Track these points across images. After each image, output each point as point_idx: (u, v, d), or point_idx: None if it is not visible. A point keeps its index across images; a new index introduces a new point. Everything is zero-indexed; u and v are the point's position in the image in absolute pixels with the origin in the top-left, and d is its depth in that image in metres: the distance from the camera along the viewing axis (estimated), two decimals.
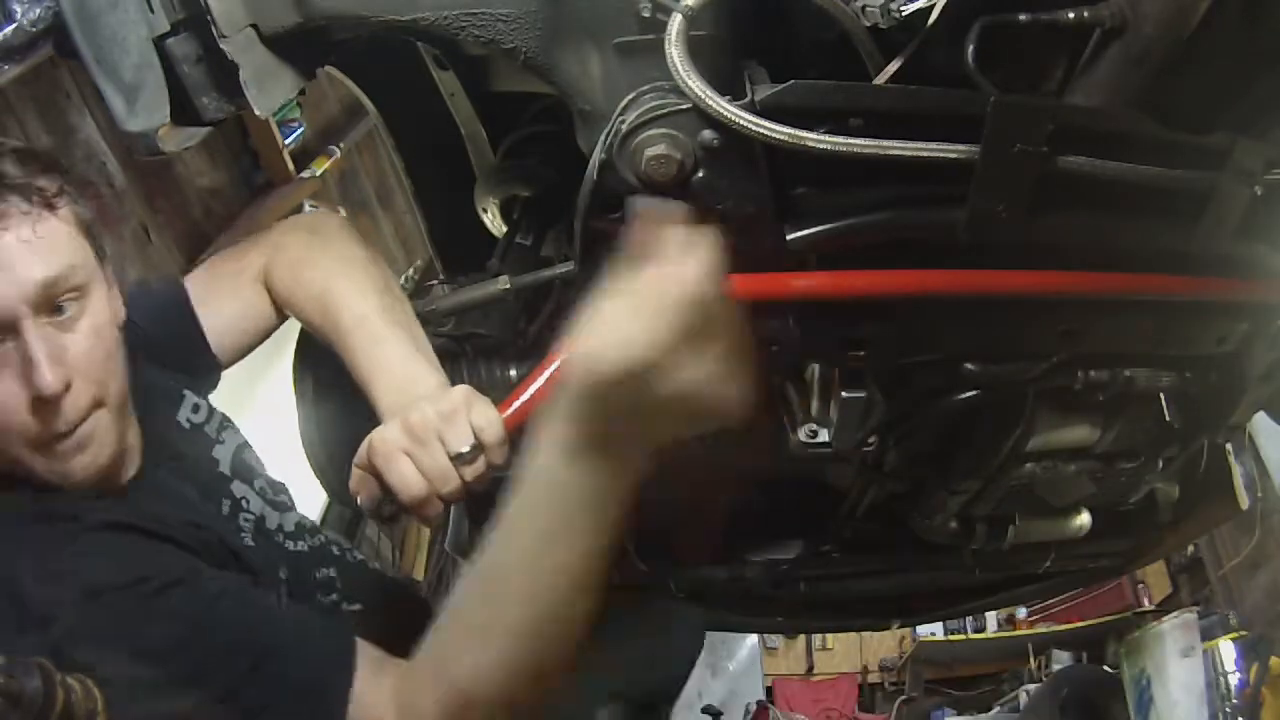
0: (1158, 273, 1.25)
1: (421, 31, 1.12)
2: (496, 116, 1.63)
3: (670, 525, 1.93)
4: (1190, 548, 5.49)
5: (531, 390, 1.12)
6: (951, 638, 7.46)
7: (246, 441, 1.42)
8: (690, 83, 1.01)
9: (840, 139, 1.04)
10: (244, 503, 1.33)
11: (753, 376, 0.95)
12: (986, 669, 7.61)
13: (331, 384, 1.38)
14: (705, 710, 6.78)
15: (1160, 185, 1.13)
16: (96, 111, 3.01)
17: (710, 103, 1.02)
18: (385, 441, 1.08)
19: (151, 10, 1.09)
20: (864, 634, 7.85)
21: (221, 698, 1.00)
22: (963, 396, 1.38)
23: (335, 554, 1.44)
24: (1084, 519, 1.72)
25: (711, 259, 0.91)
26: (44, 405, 1.05)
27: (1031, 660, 6.84)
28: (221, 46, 1.10)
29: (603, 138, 1.09)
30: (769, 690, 7.92)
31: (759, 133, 1.02)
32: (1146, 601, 6.13)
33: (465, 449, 1.07)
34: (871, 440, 1.47)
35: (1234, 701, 4.52)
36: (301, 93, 1.30)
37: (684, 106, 1.05)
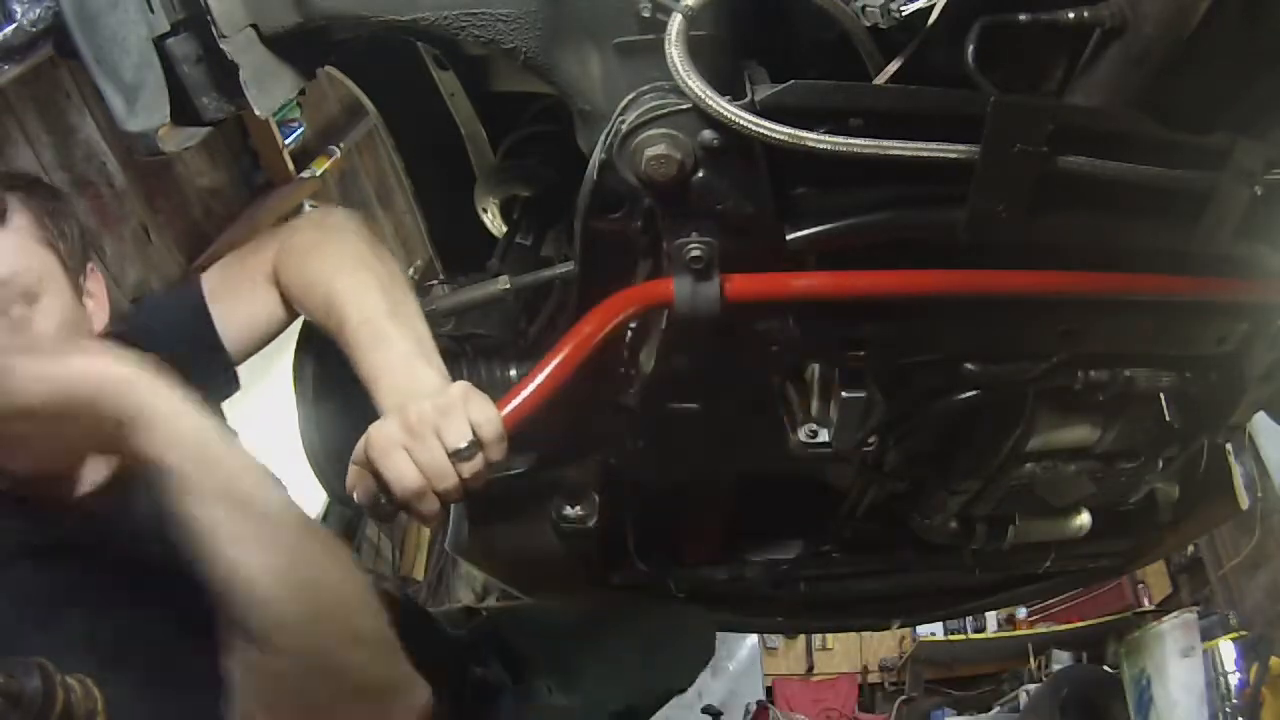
0: (1158, 273, 1.25)
1: (421, 31, 1.12)
2: (496, 116, 1.63)
3: (670, 526, 1.93)
4: (1190, 548, 5.49)
5: (531, 388, 1.11)
6: (951, 638, 7.46)
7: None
8: (690, 83, 1.01)
9: (840, 139, 1.04)
10: None
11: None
12: (986, 669, 7.61)
13: (331, 384, 1.37)
14: (705, 710, 6.78)
15: (1160, 185, 1.13)
16: (96, 111, 3.00)
17: (710, 103, 1.02)
18: (382, 436, 1.07)
19: (151, 10, 1.09)
20: (864, 634, 7.85)
21: None
22: (963, 396, 1.38)
23: None
24: (1084, 519, 1.72)
25: None
26: None
27: (1031, 660, 6.85)
28: (221, 46, 1.10)
29: (603, 138, 1.09)
30: (769, 690, 7.92)
31: (759, 133, 1.02)
32: (1146, 601, 6.14)
33: (463, 445, 1.05)
34: (871, 440, 1.47)
35: (1234, 701, 4.52)
36: (301, 93, 1.30)
37: (684, 106, 1.05)
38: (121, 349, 1.00)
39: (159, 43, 1.11)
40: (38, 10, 1.15)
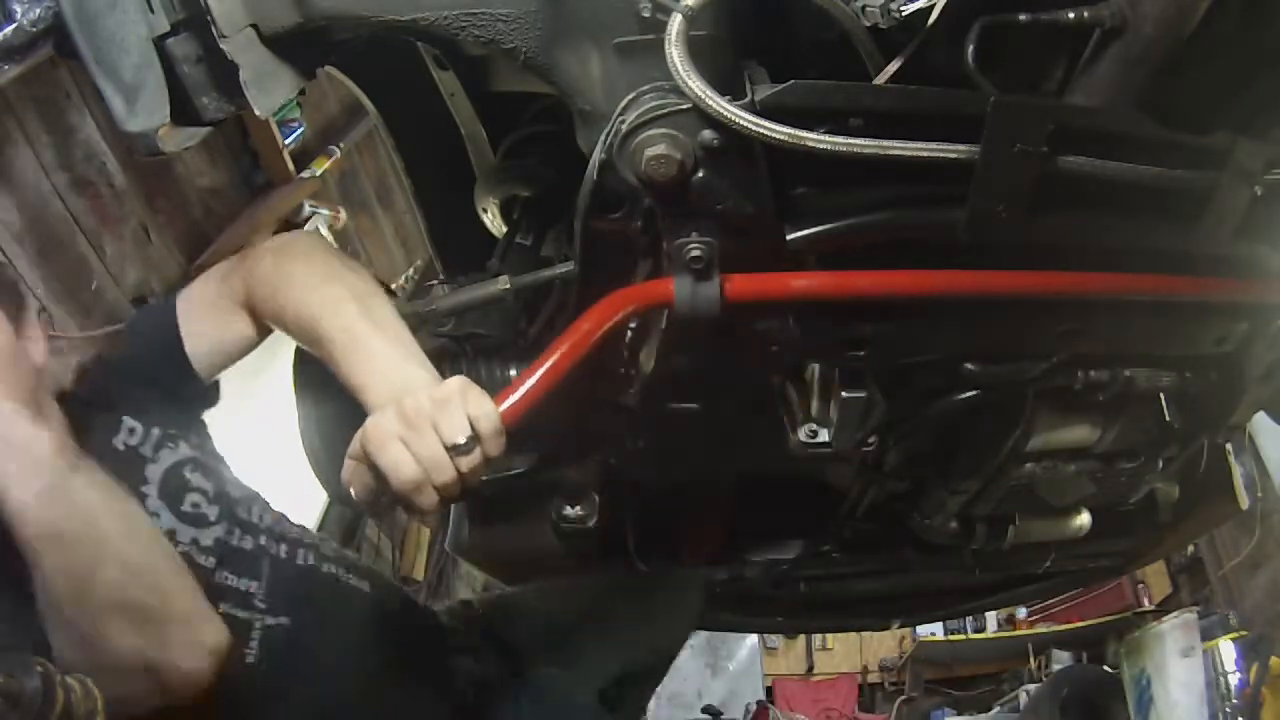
0: (1157, 273, 1.25)
1: (421, 31, 1.12)
2: (496, 116, 1.63)
3: (670, 526, 1.93)
4: (1190, 548, 5.49)
5: (529, 383, 1.11)
6: (951, 638, 7.46)
7: (191, 457, 1.43)
8: (690, 83, 1.01)
9: (840, 139, 1.04)
10: (153, 519, 1.34)
11: None
12: (986, 669, 7.61)
13: (330, 383, 1.38)
14: (705, 710, 6.79)
15: (1160, 185, 1.13)
16: (96, 111, 3.00)
17: (710, 103, 1.02)
18: (378, 428, 1.07)
19: (151, 10, 1.09)
20: (864, 634, 7.85)
21: None
22: (963, 396, 1.38)
23: (266, 566, 1.43)
24: (1084, 519, 1.72)
25: None
26: None
27: (1031, 660, 6.85)
28: (221, 46, 1.10)
29: (603, 138, 1.09)
30: (769, 690, 7.92)
31: (759, 133, 1.02)
32: (1146, 601, 6.14)
33: (461, 440, 1.04)
34: (871, 440, 1.47)
35: (1234, 701, 4.52)
36: (301, 93, 1.30)
37: (684, 106, 1.05)
38: None
39: (159, 43, 1.11)
40: (38, 10, 1.15)
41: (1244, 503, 1.84)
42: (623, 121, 1.07)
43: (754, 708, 7.24)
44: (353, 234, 4.64)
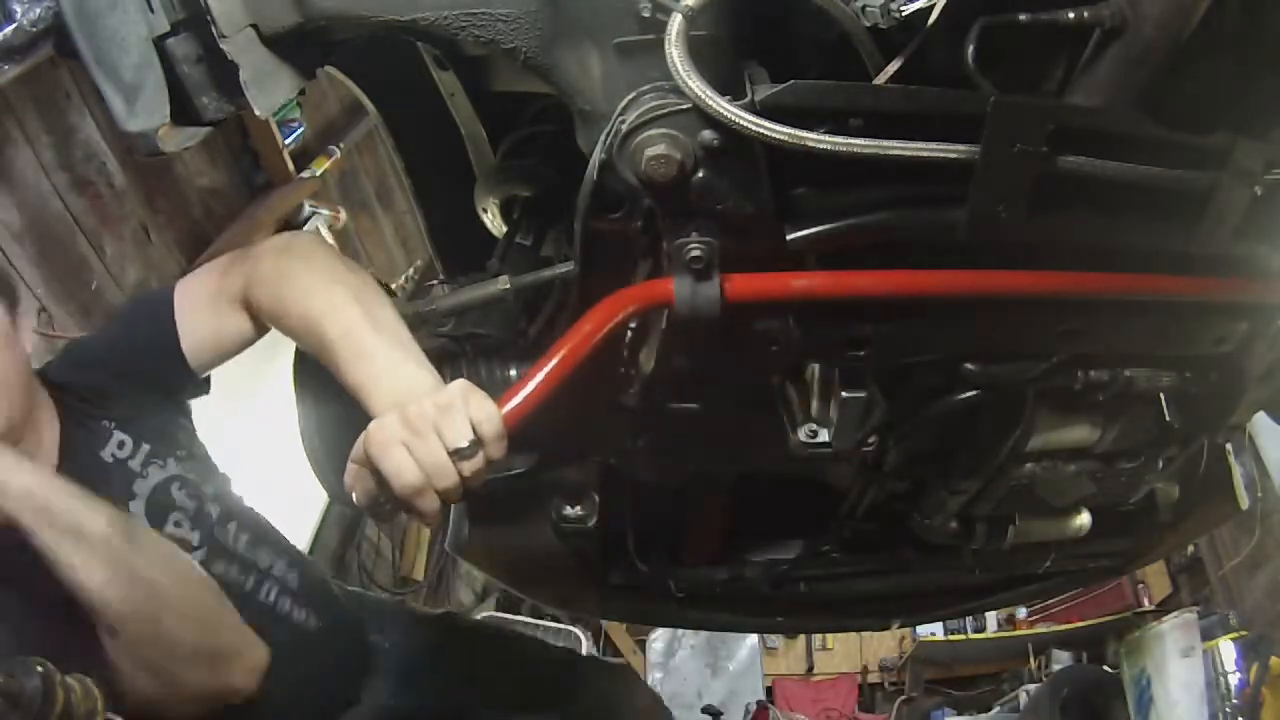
0: (1157, 273, 1.25)
1: (421, 31, 1.12)
2: (496, 116, 1.63)
3: (670, 526, 1.93)
4: (1190, 548, 5.49)
5: (531, 386, 1.11)
6: (951, 638, 7.45)
7: (177, 475, 1.44)
8: (690, 83, 1.01)
9: (840, 139, 1.04)
10: None
11: None
12: (986, 669, 7.61)
13: (331, 384, 1.38)
14: (705, 710, 6.78)
15: (1160, 185, 1.13)
16: (96, 111, 3.01)
17: (710, 103, 1.02)
18: (381, 432, 1.07)
19: (151, 10, 1.09)
20: (864, 634, 7.85)
21: None
22: (963, 396, 1.38)
23: (238, 594, 1.45)
24: (1084, 519, 1.72)
25: None
26: None
27: (1031, 660, 6.84)
28: (221, 46, 1.10)
29: (603, 138, 1.09)
30: (769, 690, 7.91)
31: (759, 133, 1.02)
32: (1146, 601, 6.14)
33: (464, 444, 1.05)
34: (871, 440, 1.47)
35: (1234, 701, 4.52)
36: (301, 93, 1.30)
37: (684, 106, 1.05)
38: None
39: (159, 43, 1.11)
40: (38, 10, 1.15)
41: (1244, 503, 1.84)
42: (623, 121, 1.07)
43: (754, 708, 7.23)
44: (353, 234, 4.64)
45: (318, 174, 4.13)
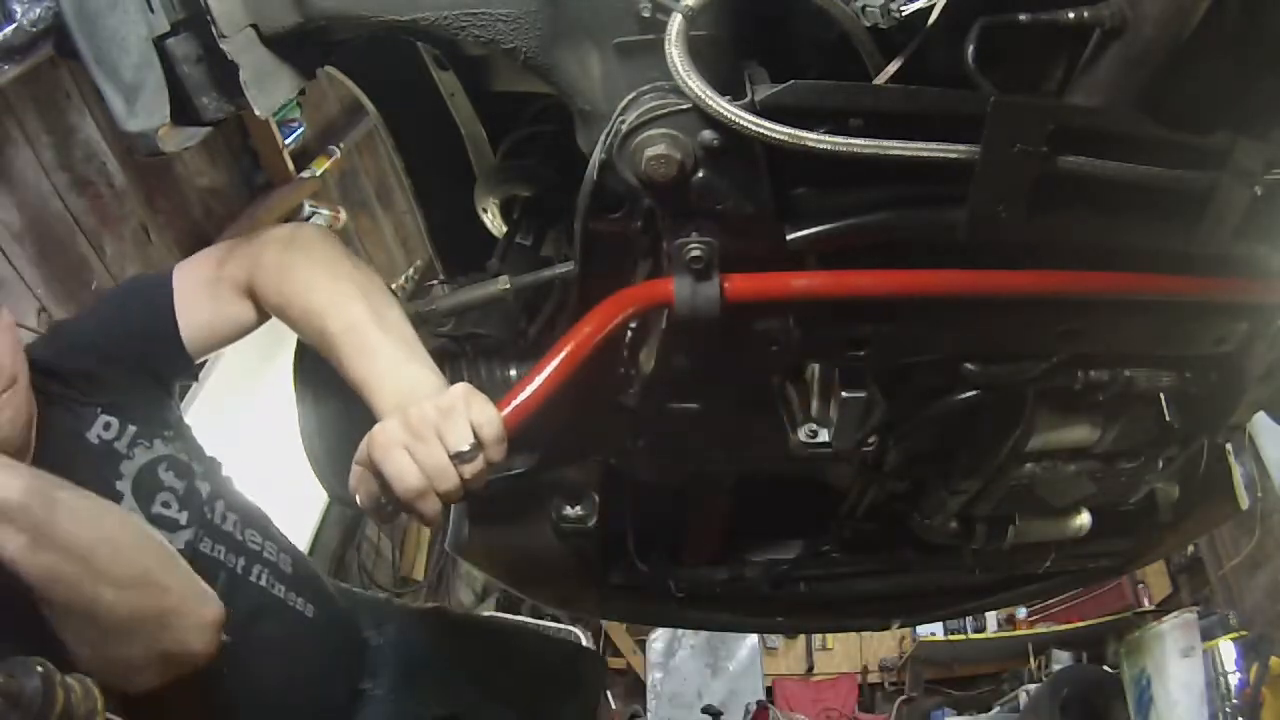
0: (1158, 273, 1.25)
1: (421, 31, 1.12)
2: (496, 116, 1.63)
3: (670, 526, 1.93)
4: (1190, 548, 5.49)
5: (531, 388, 1.11)
6: (951, 638, 7.45)
7: (165, 455, 1.45)
8: (690, 83, 1.01)
9: (840, 139, 1.04)
10: None
11: None
12: (986, 669, 7.61)
13: (331, 383, 1.38)
14: (705, 710, 6.78)
15: (1160, 185, 1.13)
16: (96, 111, 3.01)
17: (710, 103, 1.02)
18: (384, 436, 1.08)
19: (151, 10, 1.09)
20: (864, 634, 7.85)
21: None
22: (963, 396, 1.38)
23: (223, 578, 1.45)
24: (1084, 519, 1.72)
25: None
26: None
27: (1031, 660, 6.84)
28: (221, 46, 1.10)
29: (603, 138, 1.09)
30: (769, 690, 7.90)
31: (759, 133, 1.02)
32: (1146, 601, 6.14)
33: (465, 447, 1.06)
34: (871, 440, 1.47)
35: (1234, 701, 4.52)
36: (301, 93, 1.30)
37: (684, 106, 1.05)
38: None
39: (159, 43, 1.11)
40: (38, 10, 1.15)
41: (1244, 503, 1.84)
42: (623, 121, 1.07)
43: (754, 708, 7.22)
44: (353, 234, 4.64)
45: (318, 174, 4.13)
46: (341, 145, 4.34)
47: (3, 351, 1.31)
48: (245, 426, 3.37)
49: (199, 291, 1.43)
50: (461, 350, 1.46)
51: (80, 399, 1.41)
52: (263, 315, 1.42)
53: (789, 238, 1.14)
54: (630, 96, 1.08)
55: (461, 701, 1.81)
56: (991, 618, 7.43)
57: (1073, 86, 1.14)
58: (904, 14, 1.05)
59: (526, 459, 1.50)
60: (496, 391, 1.14)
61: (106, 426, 1.41)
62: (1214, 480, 1.79)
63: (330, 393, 1.40)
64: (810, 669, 8.24)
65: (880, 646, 8.14)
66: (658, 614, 2.70)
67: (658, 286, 1.16)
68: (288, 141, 3.94)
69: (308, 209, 4.09)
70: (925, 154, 1.06)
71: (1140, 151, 1.11)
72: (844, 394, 1.34)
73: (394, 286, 1.97)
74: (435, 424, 1.07)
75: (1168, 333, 1.35)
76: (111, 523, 1.27)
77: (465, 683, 1.86)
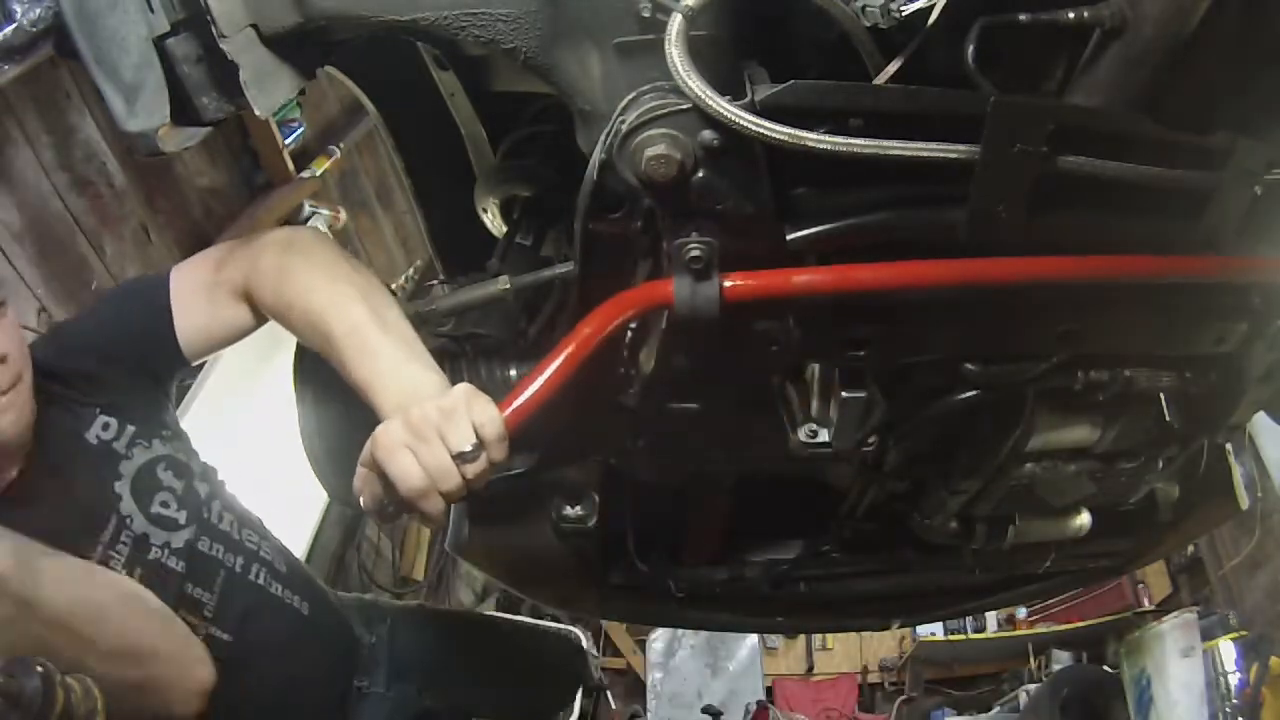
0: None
1: (421, 31, 1.12)
2: (496, 116, 1.63)
3: (670, 526, 1.93)
4: (1190, 548, 5.49)
5: (532, 389, 1.12)
6: (951, 638, 7.45)
7: (164, 455, 1.45)
8: (690, 83, 1.01)
9: (840, 139, 1.04)
10: (128, 521, 1.40)
11: None
12: (986, 669, 7.61)
13: (331, 384, 1.38)
14: (705, 710, 6.78)
15: (1160, 185, 1.13)
16: (96, 111, 3.01)
17: (710, 103, 1.02)
18: (387, 437, 1.09)
19: (151, 10, 1.09)
20: (864, 634, 7.85)
21: None
22: (963, 396, 1.38)
23: (221, 577, 1.46)
24: (1084, 519, 1.72)
25: None
26: None
27: (1031, 660, 6.84)
28: (221, 46, 1.10)
29: (603, 138, 1.09)
30: (769, 690, 7.91)
31: (759, 133, 1.02)
32: (1146, 601, 6.13)
33: (467, 448, 1.07)
34: (871, 440, 1.47)
35: (1234, 701, 4.52)
36: (301, 93, 1.30)
37: (684, 106, 1.05)
38: None
39: (159, 43, 1.11)
40: (38, 10, 1.15)
41: (1244, 503, 1.84)
42: (623, 121, 1.07)
43: (754, 708, 7.23)
44: (353, 234, 4.64)
45: (318, 174, 4.13)
46: (341, 145, 4.34)
47: (9, 347, 1.31)
48: (244, 427, 3.37)
49: (196, 295, 1.43)
50: (461, 350, 1.46)
51: (79, 399, 1.41)
52: (260, 318, 1.42)
53: (789, 238, 1.14)
54: (630, 96, 1.08)
55: (456, 693, 1.82)
56: (991, 618, 7.43)
57: (1073, 86, 1.14)
58: (904, 14, 1.05)
59: (527, 459, 1.50)
60: (497, 391, 1.14)
61: (105, 427, 1.42)
62: (1214, 480, 1.79)
63: (330, 393, 1.40)
64: (810, 669, 8.24)
65: (880, 646, 8.14)
66: (658, 614, 2.70)
67: (657, 287, 1.16)
68: (288, 141, 3.94)
69: (308, 209, 4.09)
70: (925, 154, 1.05)
71: (1140, 151, 1.11)
72: (844, 394, 1.34)
73: (394, 286, 1.98)
74: (437, 425, 1.08)
75: (1168, 333, 1.35)
76: (98, 591, 1.28)
77: (457, 674, 1.88)
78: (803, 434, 1.40)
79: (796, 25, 1.18)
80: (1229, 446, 1.78)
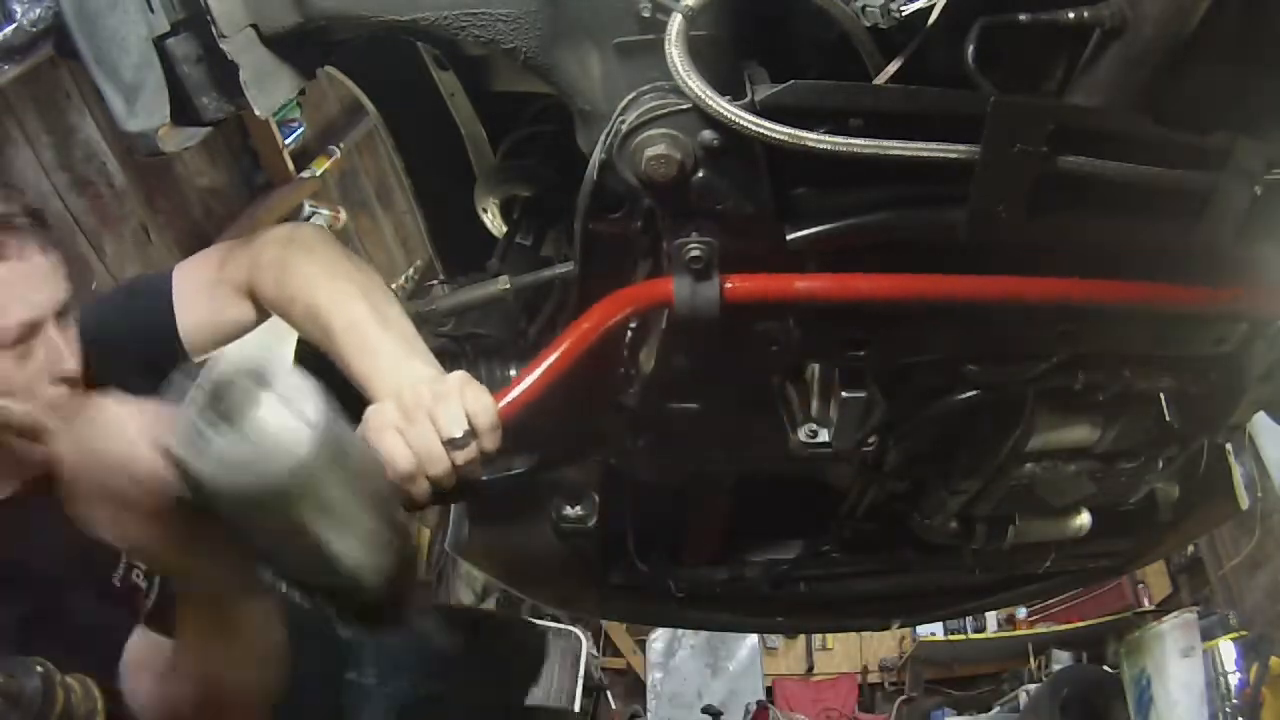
0: (1157, 273, 1.25)
1: (421, 31, 1.12)
2: (496, 116, 1.63)
3: (670, 526, 1.93)
4: (1190, 548, 5.49)
5: (528, 381, 1.11)
6: (951, 638, 7.45)
7: None
8: (690, 83, 1.01)
9: (840, 139, 1.04)
10: None
11: None
12: (986, 669, 7.61)
13: (331, 384, 1.38)
14: (705, 710, 6.79)
15: (1160, 185, 1.13)
16: (96, 111, 3.01)
17: (710, 103, 1.02)
18: (379, 416, 1.08)
19: (151, 10, 1.09)
20: (864, 634, 7.85)
21: None
22: (963, 397, 1.38)
23: None
24: (1084, 519, 1.72)
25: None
26: (62, 382, 1.30)
27: (1031, 660, 6.84)
28: (221, 46, 1.10)
29: (603, 138, 1.09)
30: (769, 690, 7.91)
31: (759, 133, 1.02)
32: (1146, 601, 6.13)
33: (458, 433, 1.05)
34: (871, 440, 1.47)
35: (1234, 701, 4.52)
36: (301, 93, 1.30)
37: (684, 106, 1.05)
38: None
39: (159, 43, 1.11)
40: (38, 10, 1.15)
41: (1244, 503, 1.84)
42: (623, 121, 1.07)
43: (754, 708, 7.23)
44: (353, 234, 4.64)
45: (318, 174, 4.13)
46: (341, 145, 4.34)
47: (69, 355, 1.32)
48: None
49: (199, 292, 1.43)
50: (461, 350, 1.46)
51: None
52: (262, 315, 1.42)
53: (789, 238, 1.14)
54: (630, 96, 1.08)
55: (443, 681, 1.83)
56: (991, 618, 7.42)
57: (1073, 86, 1.14)
58: (904, 14, 1.05)
59: (526, 458, 1.50)
60: (496, 391, 1.14)
61: None
62: (1214, 480, 1.79)
63: (330, 393, 1.40)
64: (810, 669, 8.24)
65: (880, 646, 8.14)
66: (658, 614, 2.71)
67: (657, 286, 1.16)
68: (288, 141, 3.94)
69: (308, 209, 4.08)
70: (925, 154, 1.05)
71: (1140, 151, 1.11)
72: (844, 394, 1.34)
73: (394, 286, 1.98)
74: (428, 408, 1.06)
75: (1167, 333, 1.35)
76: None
77: (443, 663, 1.89)
78: (803, 434, 1.40)
79: (796, 25, 1.18)
80: (1229, 446, 1.78)
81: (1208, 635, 4.83)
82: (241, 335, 1.47)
